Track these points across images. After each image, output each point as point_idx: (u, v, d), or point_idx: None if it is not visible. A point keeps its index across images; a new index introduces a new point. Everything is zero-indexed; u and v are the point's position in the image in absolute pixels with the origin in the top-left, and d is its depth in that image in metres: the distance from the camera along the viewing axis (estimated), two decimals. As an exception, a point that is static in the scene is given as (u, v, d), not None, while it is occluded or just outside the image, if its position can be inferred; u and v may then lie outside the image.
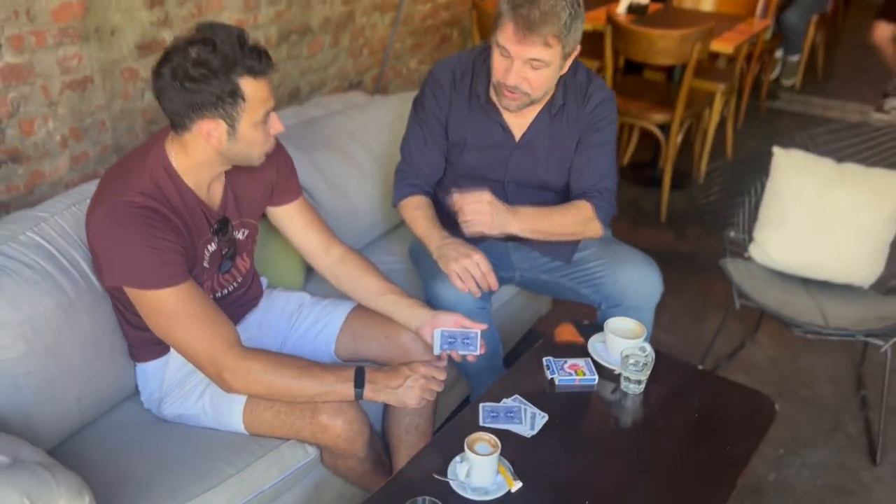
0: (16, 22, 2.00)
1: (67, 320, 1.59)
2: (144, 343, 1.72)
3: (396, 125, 2.48)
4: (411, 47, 3.66)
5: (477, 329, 1.76)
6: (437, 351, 1.73)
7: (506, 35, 1.76)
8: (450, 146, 2.03)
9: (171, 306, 1.50)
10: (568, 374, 1.75)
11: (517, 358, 1.89)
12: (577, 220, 1.98)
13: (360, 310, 1.92)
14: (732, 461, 1.60)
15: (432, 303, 1.90)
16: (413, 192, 2.05)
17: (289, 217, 1.85)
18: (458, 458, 1.49)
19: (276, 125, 1.58)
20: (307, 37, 2.99)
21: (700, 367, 1.88)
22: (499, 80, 1.85)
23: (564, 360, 1.79)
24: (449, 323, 1.76)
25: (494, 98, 1.94)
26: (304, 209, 1.86)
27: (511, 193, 2.06)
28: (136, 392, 1.81)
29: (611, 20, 3.38)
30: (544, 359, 1.80)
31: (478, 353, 1.74)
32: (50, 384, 1.57)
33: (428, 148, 2.03)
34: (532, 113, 1.96)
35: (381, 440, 1.86)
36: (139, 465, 1.58)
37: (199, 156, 1.55)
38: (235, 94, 1.46)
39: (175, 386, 1.72)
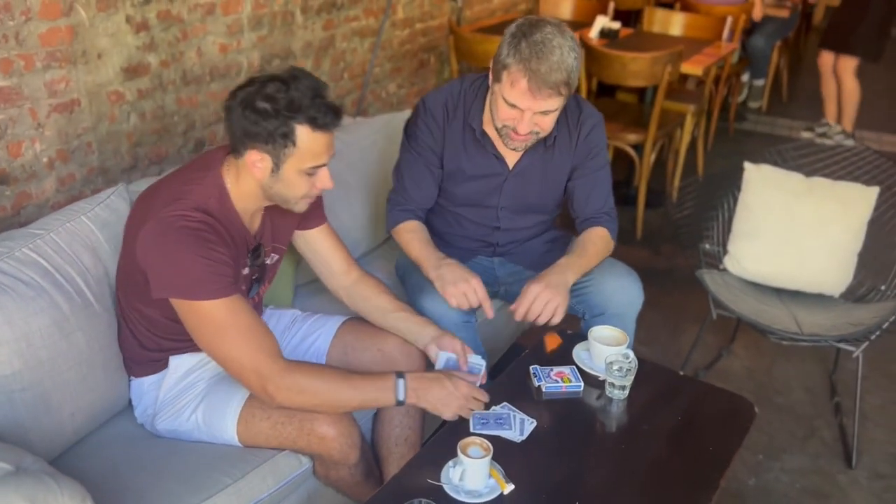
0: (4, 45, 2.03)
1: (63, 336, 1.61)
2: (145, 358, 1.75)
3: (380, 145, 2.54)
4: (390, 72, 3.74)
5: (481, 361, 1.80)
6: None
7: (518, 91, 1.77)
8: (445, 176, 2.07)
9: (220, 318, 1.52)
10: (554, 381, 1.80)
11: (502, 371, 1.94)
12: (604, 245, 2.07)
13: (351, 323, 1.96)
14: (715, 462, 1.65)
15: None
16: (407, 218, 2.08)
17: (316, 240, 1.90)
18: (450, 463, 1.53)
19: (325, 181, 1.63)
20: (289, 61, 3.05)
21: (681, 373, 1.93)
22: (506, 125, 1.87)
23: (550, 368, 1.84)
24: (448, 347, 1.80)
25: (490, 133, 1.98)
26: (330, 233, 1.92)
27: (503, 218, 2.13)
28: (129, 407, 1.82)
29: (584, 44, 3.48)
30: (531, 367, 1.84)
31: (479, 384, 1.77)
32: (44, 400, 1.58)
33: (422, 178, 2.06)
34: None
35: (371, 451, 1.89)
36: (135, 478, 1.59)
37: (247, 185, 1.61)
38: (287, 138, 1.52)
39: (169, 402, 1.74)
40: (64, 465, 1.61)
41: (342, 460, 1.67)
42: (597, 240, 2.05)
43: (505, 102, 1.82)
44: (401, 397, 1.61)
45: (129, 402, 1.83)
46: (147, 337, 1.72)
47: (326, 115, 1.54)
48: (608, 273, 2.05)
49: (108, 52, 2.32)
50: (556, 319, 1.86)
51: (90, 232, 1.80)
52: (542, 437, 1.67)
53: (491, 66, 1.86)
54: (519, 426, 1.68)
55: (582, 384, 1.79)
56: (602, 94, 4.33)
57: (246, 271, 1.72)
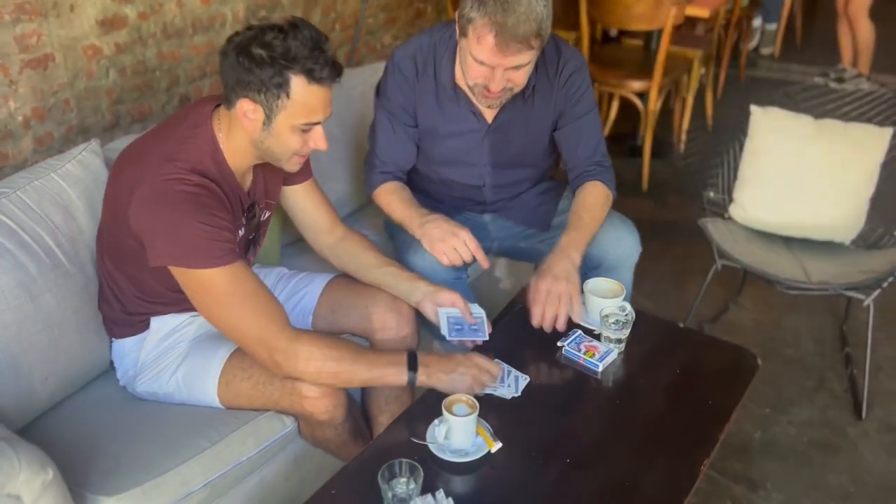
0: (-31, -2, 1.94)
1: (30, 298, 1.55)
2: (126, 321, 1.69)
3: (369, 95, 2.41)
4: (384, 22, 3.61)
5: (481, 311, 1.72)
6: (445, 334, 1.70)
7: (485, 48, 1.64)
8: (421, 134, 1.97)
9: (222, 286, 1.46)
10: (577, 350, 1.70)
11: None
12: (602, 205, 1.94)
13: (338, 281, 1.89)
14: (715, 416, 1.59)
15: (408, 270, 1.86)
16: (385, 180, 1.99)
17: (301, 196, 1.83)
18: (436, 422, 1.46)
19: (319, 141, 1.55)
20: (276, 11, 2.93)
21: (681, 325, 1.85)
22: (477, 83, 1.75)
23: (582, 336, 1.74)
24: (447, 302, 1.72)
25: (464, 86, 1.86)
26: (315, 188, 1.85)
27: (489, 175, 2.03)
28: (111, 369, 1.77)
29: (585, -13, 3.34)
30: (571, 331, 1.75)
31: (486, 337, 1.70)
32: (13, 365, 1.52)
33: (398, 138, 1.96)
34: None
35: (360, 410, 1.83)
36: (111, 442, 1.54)
37: (238, 140, 1.53)
38: (281, 88, 1.44)
39: (150, 363, 1.69)
40: (38, 430, 1.57)
41: (328, 420, 1.61)
42: (591, 202, 1.93)
43: (474, 60, 1.69)
44: (412, 374, 1.52)
45: (112, 363, 1.77)
46: (133, 301, 1.66)
47: (324, 68, 1.45)
48: (604, 225, 1.95)
49: (82, 4, 2.22)
50: (573, 314, 1.75)
51: (61, 189, 1.73)
52: (534, 393, 1.61)
53: (456, 19, 1.73)
54: (514, 382, 1.62)
55: (600, 366, 1.67)
56: (608, 41, 4.19)
57: (242, 232, 1.65)
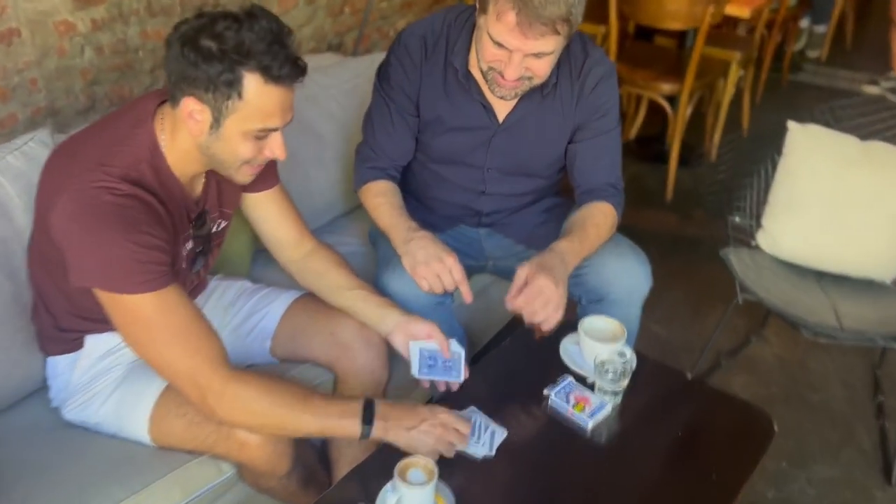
0: (-78, -36, 1.76)
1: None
2: (56, 334, 1.51)
3: (363, 89, 2.21)
4: (400, 6, 3.38)
5: (459, 349, 1.53)
6: (414, 371, 1.51)
7: (504, 27, 1.46)
8: (421, 126, 1.77)
9: (149, 315, 1.28)
10: (566, 401, 1.48)
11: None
12: (609, 226, 1.75)
13: (305, 300, 1.69)
14: (719, 490, 1.37)
15: (382, 293, 1.65)
16: (376, 177, 1.78)
17: (263, 206, 1.63)
18: (388, 486, 1.26)
19: (276, 149, 1.36)
20: (278, -9, 2.73)
21: (689, 376, 1.62)
22: (492, 67, 1.56)
23: (573, 385, 1.53)
24: (422, 334, 1.53)
25: (477, 76, 1.67)
26: (281, 198, 1.64)
27: (491, 181, 1.82)
28: (44, 387, 1.59)
29: (617, -21, 3.08)
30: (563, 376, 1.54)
31: (461, 380, 1.51)
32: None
33: (395, 128, 1.76)
34: None
35: (316, 453, 1.63)
36: (20, 481, 1.36)
37: (183, 143, 1.34)
38: (232, 87, 1.24)
39: (81, 388, 1.51)
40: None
41: (269, 471, 1.42)
42: (600, 219, 1.73)
43: (491, 40, 1.50)
44: (366, 427, 1.32)
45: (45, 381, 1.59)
46: (64, 316, 1.48)
47: (283, 66, 1.25)
48: (610, 252, 1.72)
49: (53, -25, 2.04)
50: (551, 323, 1.55)
51: (-2, 184, 1.55)
52: (511, 451, 1.40)
53: None
54: (489, 439, 1.41)
55: (590, 423, 1.45)
56: (639, 37, 3.92)
57: (190, 244, 1.46)
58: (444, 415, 1.34)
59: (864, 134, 2.19)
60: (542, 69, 1.56)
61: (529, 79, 1.58)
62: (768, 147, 2.32)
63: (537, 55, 1.51)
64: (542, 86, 1.67)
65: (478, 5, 1.54)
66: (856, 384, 2.40)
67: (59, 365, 1.54)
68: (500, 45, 1.50)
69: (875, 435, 2.21)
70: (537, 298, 1.52)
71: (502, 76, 1.55)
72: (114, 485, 1.36)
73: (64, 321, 1.48)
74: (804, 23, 4.99)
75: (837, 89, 4.74)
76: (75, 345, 1.51)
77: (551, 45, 1.49)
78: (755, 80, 4.19)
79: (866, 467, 2.11)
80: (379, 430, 1.32)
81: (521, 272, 1.56)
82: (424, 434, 1.31)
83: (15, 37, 2.01)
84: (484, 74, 1.62)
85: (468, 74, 1.69)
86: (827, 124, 2.22)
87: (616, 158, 1.79)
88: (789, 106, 4.40)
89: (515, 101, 1.70)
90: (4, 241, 1.53)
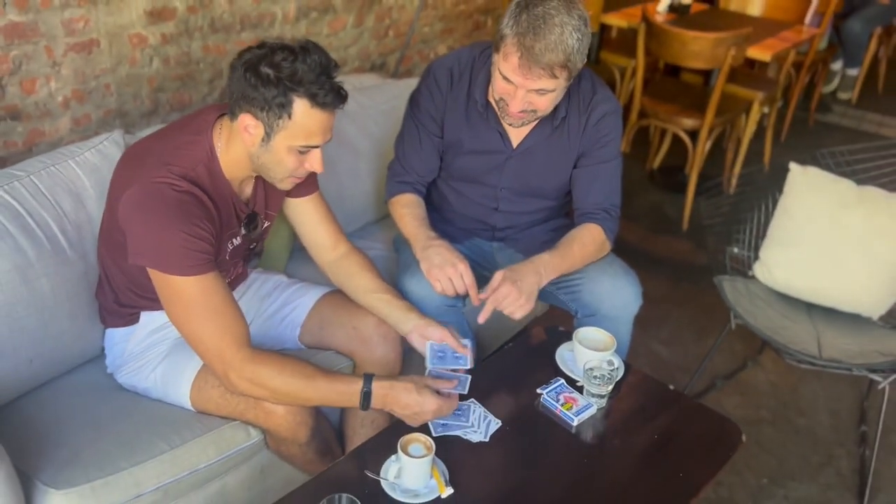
0: (22, -19, 2.02)
1: (23, 282, 1.60)
2: (116, 309, 1.74)
3: (398, 111, 2.42)
4: (441, 32, 3.60)
5: (465, 352, 1.71)
6: (428, 364, 1.69)
7: (510, 65, 1.67)
8: (444, 147, 1.98)
9: (190, 295, 1.49)
10: (556, 399, 1.67)
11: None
12: (595, 247, 1.93)
13: (332, 296, 1.90)
14: (685, 489, 1.53)
15: (402, 294, 1.86)
16: (404, 191, 2.00)
17: (303, 210, 1.84)
18: (392, 458, 1.46)
19: (315, 164, 1.57)
20: (328, 14, 2.96)
21: (671, 388, 1.79)
22: (502, 98, 1.77)
23: (566, 388, 1.71)
24: (436, 337, 1.72)
25: (494, 105, 1.87)
26: (319, 204, 1.86)
27: (504, 200, 2.02)
28: (102, 355, 1.82)
29: (645, 18, 3.26)
30: (556, 380, 1.73)
31: (468, 366, 1.69)
32: (-2, 343, 1.57)
33: (423, 148, 1.97)
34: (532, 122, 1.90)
35: (333, 429, 1.84)
36: (77, 432, 1.58)
37: (236, 152, 1.56)
38: (283, 108, 1.46)
39: (134, 356, 1.73)
40: (16, 409, 1.63)
41: (291, 437, 1.62)
42: (587, 240, 1.91)
43: (500, 75, 1.73)
44: (364, 405, 1.53)
45: (103, 349, 1.82)
46: (124, 292, 1.71)
47: (328, 94, 1.47)
48: (602, 271, 1.91)
49: (132, -6, 2.29)
50: (517, 315, 1.76)
51: (76, 177, 1.79)
52: (503, 440, 1.58)
53: (495, 34, 1.74)
54: (485, 427, 1.60)
55: (576, 420, 1.64)
56: (669, 73, 4.09)
57: (237, 241, 1.68)
58: (431, 403, 1.52)
59: (862, 179, 2.34)
60: (543, 104, 1.76)
61: (533, 111, 1.78)
62: (778, 184, 2.48)
63: (539, 92, 1.71)
64: (553, 118, 1.87)
65: (494, 45, 1.75)
66: (842, 413, 2.53)
67: (116, 336, 1.76)
68: (507, 79, 1.71)
69: (855, 461, 2.34)
70: (502, 301, 1.73)
71: (509, 107, 1.76)
72: (158, 439, 1.58)
73: (123, 297, 1.71)
74: (837, 65, 5.09)
75: (863, 132, 4.83)
76: (131, 319, 1.74)
77: (551, 84, 1.69)
78: (782, 118, 4.32)
79: (843, 490, 2.24)
80: (377, 404, 1.52)
81: (497, 276, 1.76)
82: (414, 415, 1.52)
83: (95, 46, 2.26)
84: (496, 104, 1.83)
85: (487, 104, 1.89)
86: (828, 167, 2.37)
87: (613, 187, 1.96)
88: (813, 145, 4.51)
89: (529, 129, 1.90)
90: (78, 226, 1.75)
